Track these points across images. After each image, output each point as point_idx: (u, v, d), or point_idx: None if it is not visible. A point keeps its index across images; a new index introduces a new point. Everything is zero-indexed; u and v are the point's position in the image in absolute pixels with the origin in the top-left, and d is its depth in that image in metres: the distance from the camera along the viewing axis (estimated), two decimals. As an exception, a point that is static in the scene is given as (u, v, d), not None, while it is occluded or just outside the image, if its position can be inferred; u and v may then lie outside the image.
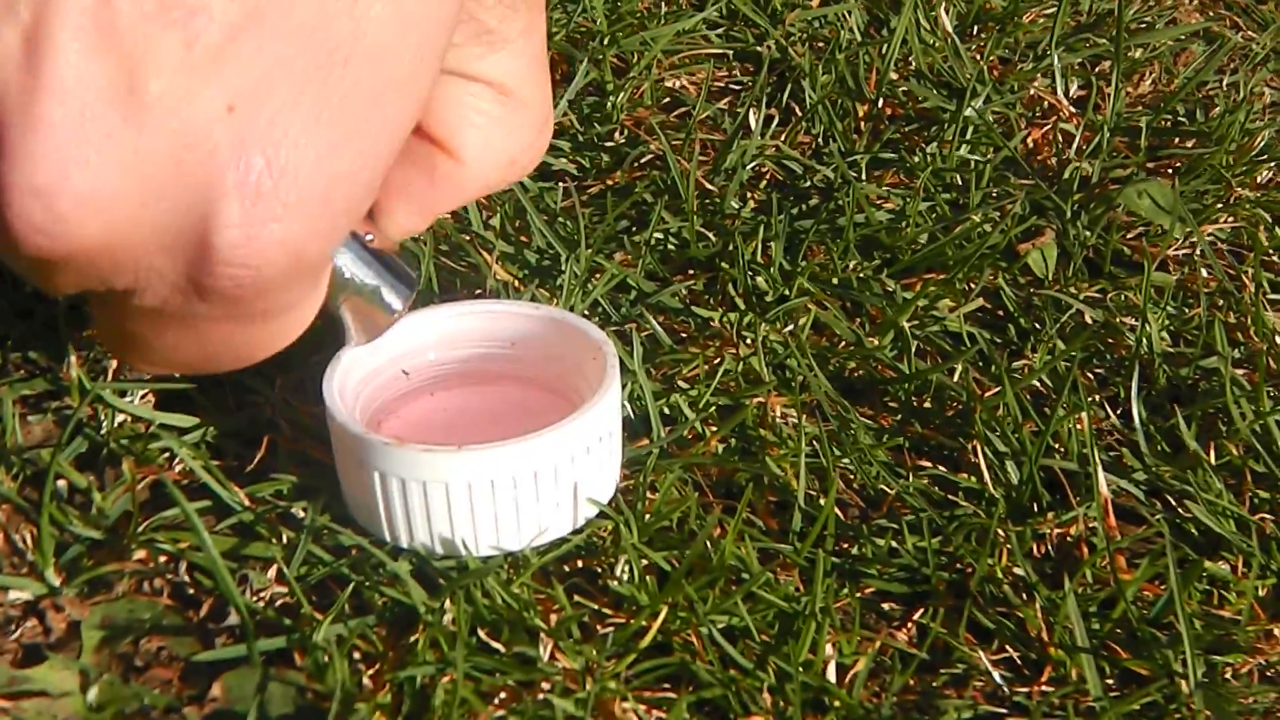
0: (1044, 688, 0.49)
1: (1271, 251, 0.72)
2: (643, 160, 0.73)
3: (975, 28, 0.89)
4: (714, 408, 0.58)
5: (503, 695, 0.46)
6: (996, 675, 0.49)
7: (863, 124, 0.78)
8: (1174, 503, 0.56)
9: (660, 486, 0.53)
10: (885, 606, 0.52)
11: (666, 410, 0.58)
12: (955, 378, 0.61)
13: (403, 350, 0.54)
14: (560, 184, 0.70)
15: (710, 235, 0.68)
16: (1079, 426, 0.57)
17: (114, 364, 0.57)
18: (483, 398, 0.56)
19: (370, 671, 0.46)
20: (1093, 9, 0.93)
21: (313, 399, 0.55)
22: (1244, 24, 0.95)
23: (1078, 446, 0.57)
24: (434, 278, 0.62)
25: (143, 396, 0.56)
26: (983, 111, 0.77)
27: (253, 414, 0.56)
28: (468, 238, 0.65)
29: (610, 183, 0.72)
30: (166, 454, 0.54)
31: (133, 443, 0.54)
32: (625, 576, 0.50)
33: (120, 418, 0.55)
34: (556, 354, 0.54)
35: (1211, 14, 0.96)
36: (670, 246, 0.68)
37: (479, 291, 0.62)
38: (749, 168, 0.73)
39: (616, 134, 0.75)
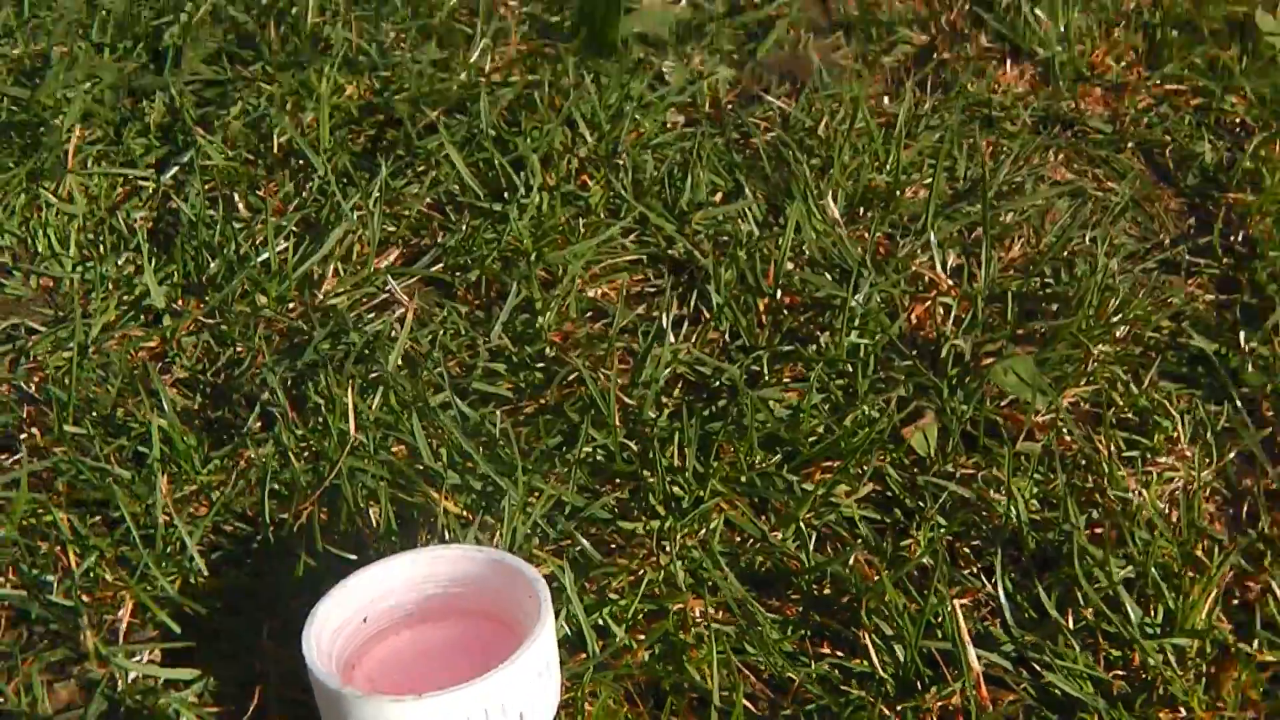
0: None
1: (1126, 409, 0.81)
2: (570, 378, 0.82)
3: (862, 208, 0.98)
4: (641, 614, 0.68)
5: None
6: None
7: (764, 317, 0.88)
8: (1039, 669, 0.66)
9: (599, 696, 0.62)
10: (794, 789, 0.61)
11: (600, 622, 0.67)
12: (849, 564, 0.70)
13: (370, 598, 0.64)
14: (497, 410, 0.79)
15: (632, 445, 0.77)
16: (955, 605, 0.66)
17: (124, 627, 0.66)
18: (441, 632, 0.65)
19: None
20: (967, 174, 1.02)
21: (297, 644, 0.65)
22: (1104, 174, 1.05)
23: (953, 625, 0.66)
24: (391, 518, 0.71)
25: (150, 655, 0.65)
26: (869, 296, 0.87)
27: (247, 661, 0.65)
28: (420, 467, 0.74)
29: (542, 401, 0.81)
30: (174, 711, 0.63)
31: (145, 698, 0.63)
32: (571, 787, 0.59)
33: (133, 675, 0.64)
34: (498, 591, 0.64)
35: (1075, 166, 1.05)
36: (599, 458, 0.77)
37: (429, 535, 0.71)
38: (664, 376, 0.82)
39: (547, 350, 0.85)
